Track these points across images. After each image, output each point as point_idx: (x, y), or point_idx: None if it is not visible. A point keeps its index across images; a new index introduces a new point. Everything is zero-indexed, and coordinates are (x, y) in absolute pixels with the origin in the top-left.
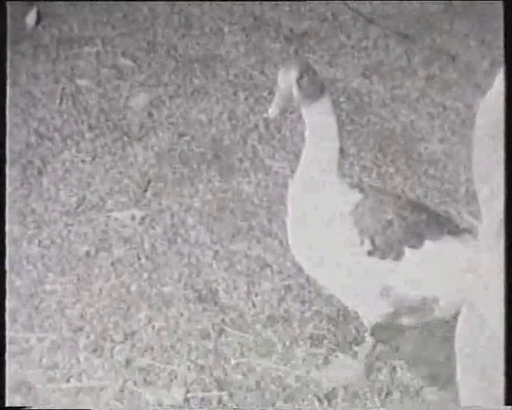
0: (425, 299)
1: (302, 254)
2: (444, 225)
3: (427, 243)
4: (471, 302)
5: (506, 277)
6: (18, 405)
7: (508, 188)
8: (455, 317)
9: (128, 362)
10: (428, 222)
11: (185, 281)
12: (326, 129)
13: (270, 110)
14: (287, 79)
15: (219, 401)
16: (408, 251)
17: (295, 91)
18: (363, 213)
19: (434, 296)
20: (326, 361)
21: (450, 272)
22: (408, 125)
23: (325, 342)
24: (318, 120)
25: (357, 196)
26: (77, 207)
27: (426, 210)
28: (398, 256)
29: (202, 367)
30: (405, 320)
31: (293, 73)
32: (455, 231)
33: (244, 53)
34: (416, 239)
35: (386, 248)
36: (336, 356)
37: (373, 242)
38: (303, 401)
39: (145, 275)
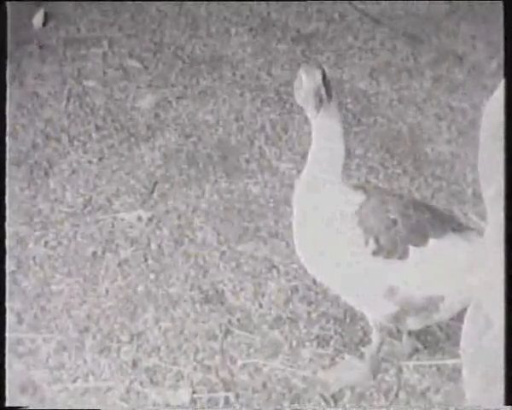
0: (430, 298)
1: (307, 256)
2: (447, 223)
3: (432, 241)
4: (477, 302)
5: (506, 277)
6: (24, 405)
7: (508, 188)
8: (459, 315)
9: (134, 363)
10: (432, 220)
11: (192, 282)
12: (332, 131)
13: (310, 114)
14: (313, 79)
15: (226, 402)
16: (412, 250)
17: (323, 91)
18: (367, 213)
19: (440, 295)
20: (332, 362)
21: (454, 270)
22: (415, 126)
23: (332, 342)
24: (325, 122)
25: (360, 196)
26: (83, 208)
27: (429, 208)
28: (403, 255)
29: (209, 368)
30: (410, 320)
31: (318, 73)
32: (458, 228)
33: (251, 54)
34: (420, 238)
35: (390, 248)
36: (343, 357)
37: (377, 241)
38: (309, 401)
39: (152, 276)
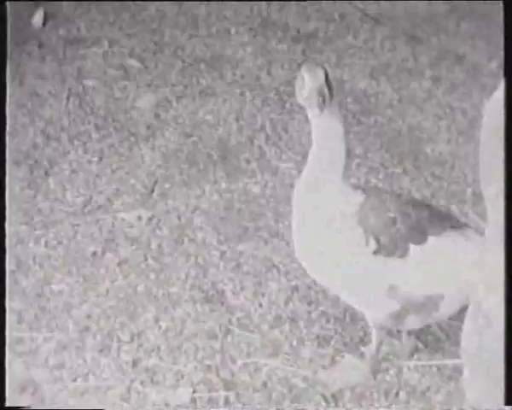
0: (431, 296)
1: (306, 256)
2: (446, 220)
3: (431, 239)
4: (477, 301)
5: (507, 276)
6: (24, 405)
7: (508, 188)
8: (459, 315)
9: (135, 362)
10: (431, 218)
11: (192, 281)
12: (333, 131)
13: (310, 114)
14: (316, 78)
15: (226, 402)
16: (412, 248)
17: (326, 90)
18: (367, 212)
19: (440, 293)
20: (333, 362)
21: (454, 268)
22: (415, 125)
23: (332, 342)
24: (326, 121)
25: (360, 196)
26: (83, 208)
27: (427, 206)
28: (403, 254)
29: (209, 367)
30: (411, 319)
31: (320, 73)
32: (457, 225)
33: (251, 54)
34: (420, 235)
35: (391, 247)
36: (343, 357)
37: (378, 241)
38: (310, 401)
39: (152, 275)
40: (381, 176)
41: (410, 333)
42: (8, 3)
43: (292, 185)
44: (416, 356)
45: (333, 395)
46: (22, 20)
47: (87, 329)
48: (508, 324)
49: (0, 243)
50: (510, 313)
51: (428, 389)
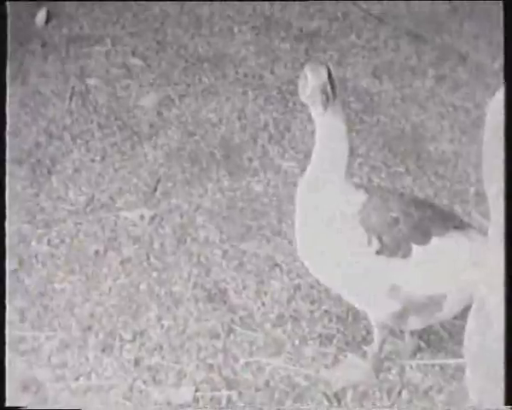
0: (433, 296)
1: (309, 256)
2: (449, 221)
3: (434, 239)
4: (480, 300)
5: (507, 276)
6: (27, 404)
7: (508, 188)
8: (462, 314)
9: (137, 361)
10: (434, 218)
11: (194, 280)
12: (336, 130)
13: (314, 112)
14: (319, 76)
15: (228, 401)
16: (415, 248)
17: (328, 88)
18: (369, 212)
19: (442, 293)
20: (335, 361)
21: (457, 268)
22: (418, 124)
23: (334, 341)
24: (329, 120)
25: (362, 196)
26: (86, 207)
27: (430, 206)
28: (406, 254)
29: (211, 366)
30: (413, 319)
31: (323, 71)
32: (460, 226)
33: (254, 52)
34: (423, 236)
35: (393, 247)
36: (345, 356)
37: (380, 240)
38: (312, 400)
39: (154, 274)
40: (383, 175)
41: (412, 332)
42: (8, 3)
43: (295, 184)
44: (418, 355)
45: (335, 394)
46: (25, 18)
47: (89, 328)
48: (508, 324)
49: (0, 241)
50: (510, 313)
51: (431, 388)
